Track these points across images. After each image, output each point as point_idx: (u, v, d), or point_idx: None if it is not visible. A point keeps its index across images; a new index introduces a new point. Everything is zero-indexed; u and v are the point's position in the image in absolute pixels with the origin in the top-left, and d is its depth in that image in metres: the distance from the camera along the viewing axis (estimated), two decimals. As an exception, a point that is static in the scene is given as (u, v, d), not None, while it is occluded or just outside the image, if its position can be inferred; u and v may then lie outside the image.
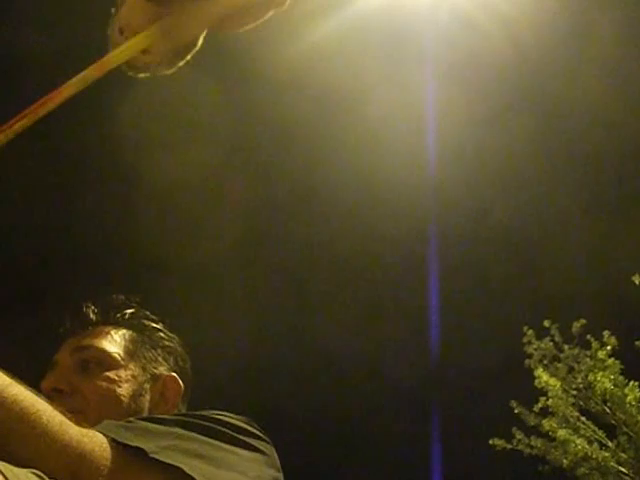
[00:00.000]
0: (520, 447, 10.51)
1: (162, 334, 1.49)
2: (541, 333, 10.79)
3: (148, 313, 1.50)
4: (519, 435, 10.56)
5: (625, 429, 10.19)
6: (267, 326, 13.07)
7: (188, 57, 2.05)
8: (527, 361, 10.71)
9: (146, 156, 11.39)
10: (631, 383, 9.97)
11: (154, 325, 1.49)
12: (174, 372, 1.46)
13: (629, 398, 9.87)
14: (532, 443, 10.49)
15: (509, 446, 10.53)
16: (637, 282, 10.16)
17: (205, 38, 1.99)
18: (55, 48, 9.93)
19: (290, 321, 12.91)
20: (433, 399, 13.62)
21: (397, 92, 10.88)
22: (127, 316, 1.47)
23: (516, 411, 10.68)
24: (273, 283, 13.48)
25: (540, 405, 10.46)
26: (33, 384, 1.09)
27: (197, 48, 2.00)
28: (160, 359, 1.45)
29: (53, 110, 1.05)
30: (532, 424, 10.55)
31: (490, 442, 10.59)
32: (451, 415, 13.21)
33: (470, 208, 12.44)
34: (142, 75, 2.00)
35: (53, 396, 1.29)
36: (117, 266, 12.94)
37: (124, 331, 1.44)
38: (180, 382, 1.45)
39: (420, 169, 12.00)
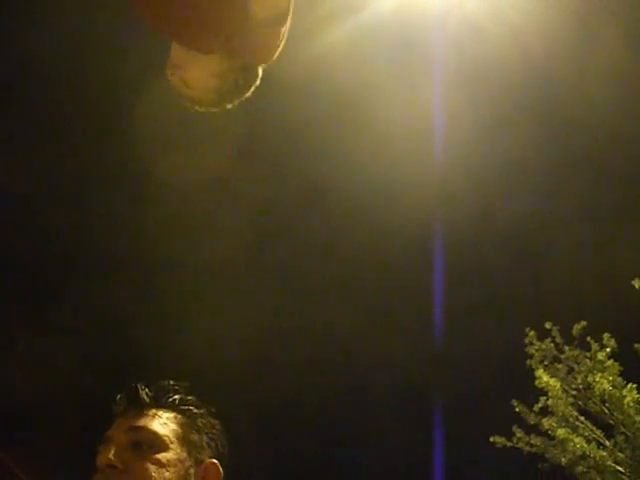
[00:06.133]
0: (520, 445, 10.58)
1: (206, 420, 1.59)
2: (542, 334, 10.84)
3: (195, 399, 1.60)
4: (519, 433, 10.62)
5: (623, 429, 10.22)
6: (276, 321, 13.09)
7: (242, 95, 2.19)
8: (528, 361, 10.74)
9: (159, 156, 11.42)
10: (629, 385, 10.00)
11: (200, 411, 1.59)
12: (215, 458, 1.56)
13: (627, 399, 9.91)
14: (532, 441, 10.55)
15: (509, 444, 10.59)
16: (637, 286, 10.13)
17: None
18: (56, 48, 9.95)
19: (298, 316, 12.97)
20: (436, 397, 13.62)
21: (406, 96, 10.86)
22: (177, 401, 1.57)
23: (517, 410, 10.71)
24: (282, 280, 13.51)
25: (540, 405, 10.51)
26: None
27: (250, 88, 2.15)
28: (204, 444, 1.55)
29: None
30: (532, 423, 10.60)
31: (491, 439, 10.65)
32: (453, 413, 13.20)
33: (475, 210, 12.38)
34: (209, 109, 2.20)
35: (108, 472, 1.44)
36: (129, 264, 12.93)
37: (174, 415, 1.55)
38: (220, 469, 1.56)
39: (427, 171, 12.03)
